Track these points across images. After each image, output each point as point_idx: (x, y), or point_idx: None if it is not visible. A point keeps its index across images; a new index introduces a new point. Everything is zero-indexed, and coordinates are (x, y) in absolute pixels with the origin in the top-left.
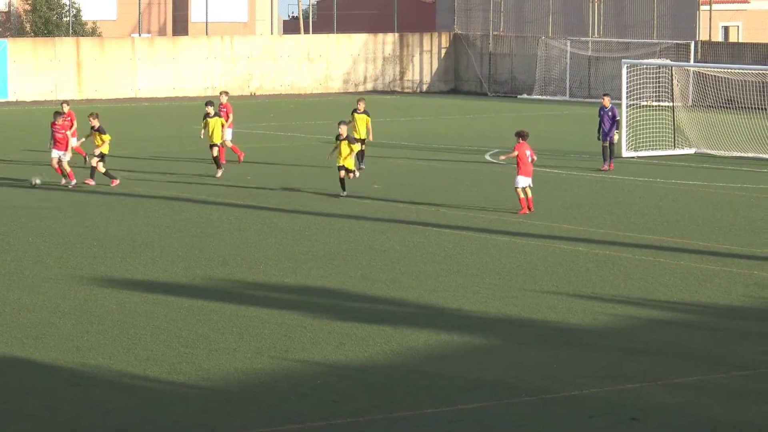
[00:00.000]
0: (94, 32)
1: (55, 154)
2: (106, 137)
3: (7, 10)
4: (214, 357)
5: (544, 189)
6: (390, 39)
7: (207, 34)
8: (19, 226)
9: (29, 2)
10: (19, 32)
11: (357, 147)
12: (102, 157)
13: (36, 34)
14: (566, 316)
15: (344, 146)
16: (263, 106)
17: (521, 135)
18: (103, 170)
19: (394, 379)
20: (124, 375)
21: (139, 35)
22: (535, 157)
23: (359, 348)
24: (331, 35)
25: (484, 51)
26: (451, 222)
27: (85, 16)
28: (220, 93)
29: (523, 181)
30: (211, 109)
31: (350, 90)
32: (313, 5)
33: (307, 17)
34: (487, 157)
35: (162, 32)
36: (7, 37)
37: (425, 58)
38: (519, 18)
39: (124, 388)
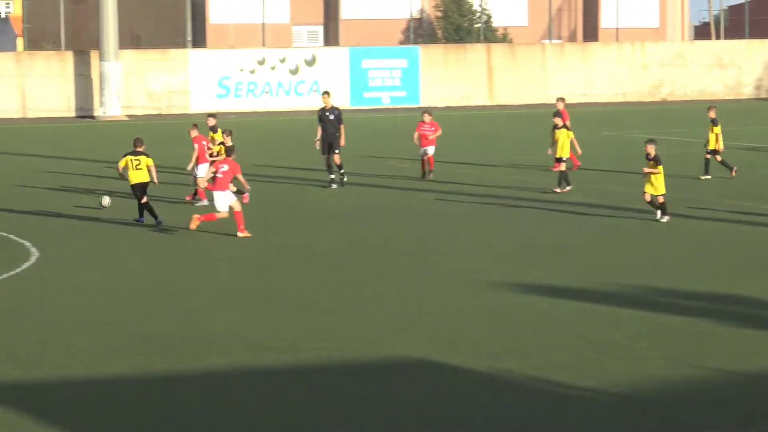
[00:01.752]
0: (504, 38)
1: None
2: None
3: (419, 16)
4: (625, 363)
5: None
6: None
7: (617, 39)
8: (446, 230)
9: (441, 9)
10: (431, 39)
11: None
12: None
13: (447, 41)
14: None
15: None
16: (673, 112)
17: None
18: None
19: None
20: (537, 380)
21: (550, 41)
22: None
23: None
24: (742, 41)
25: None
26: None
27: (496, 22)
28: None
29: None
30: (558, 121)
31: (762, 96)
32: (724, 10)
33: (718, 22)
34: None
35: (572, 38)
36: (419, 43)
37: None
38: None
39: (535, 392)
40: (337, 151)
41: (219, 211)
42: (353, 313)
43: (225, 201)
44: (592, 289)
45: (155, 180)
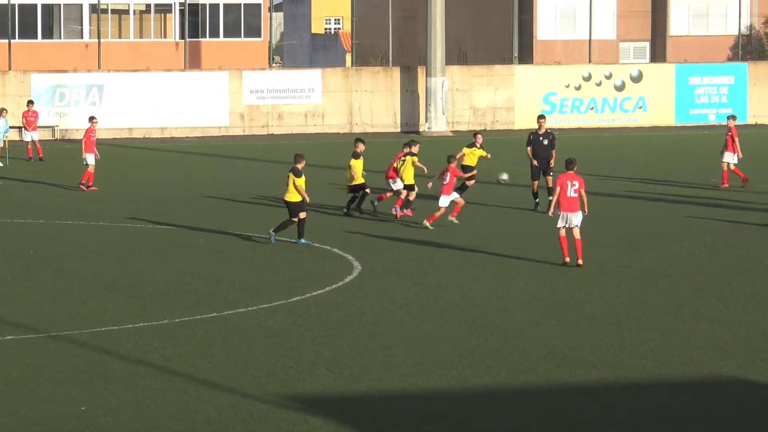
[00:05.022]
0: None
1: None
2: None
3: (748, 33)
4: None
5: None
6: None
7: None
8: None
9: None
10: (759, 55)
11: None
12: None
13: None
14: None
15: None
16: None
17: None
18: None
19: None
20: None
21: None
22: None
23: None
24: None
25: None
26: None
27: None
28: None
29: None
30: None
31: None
32: None
33: None
34: None
35: None
36: (747, 60)
37: None
38: None
39: None
40: (551, 174)
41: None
42: (675, 331)
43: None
44: None
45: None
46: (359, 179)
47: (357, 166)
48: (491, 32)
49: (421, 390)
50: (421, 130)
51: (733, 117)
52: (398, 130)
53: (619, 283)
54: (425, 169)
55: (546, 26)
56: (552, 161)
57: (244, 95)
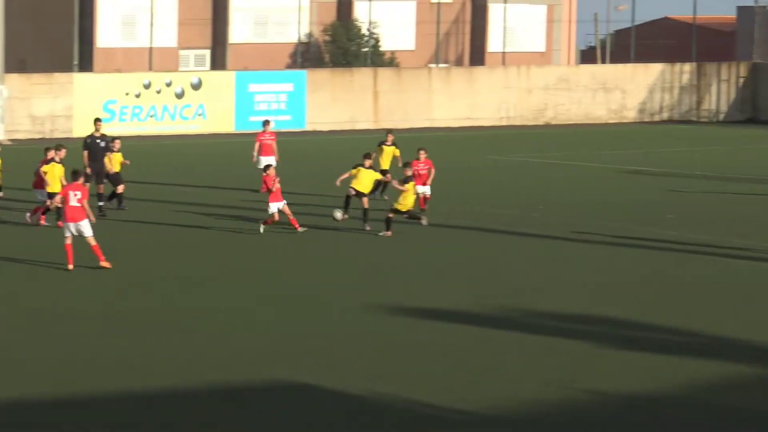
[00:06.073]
0: (392, 62)
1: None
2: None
3: (307, 41)
4: (501, 386)
5: None
6: (687, 68)
7: (504, 64)
8: (308, 252)
9: (329, 33)
10: (318, 63)
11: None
12: None
13: (334, 65)
14: None
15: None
16: (557, 136)
17: None
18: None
19: (682, 410)
20: (413, 402)
21: (437, 65)
22: None
23: (647, 378)
24: (627, 65)
25: None
26: (747, 253)
27: (384, 46)
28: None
29: None
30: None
31: (645, 119)
32: (610, 35)
33: (604, 47)
34: None
35: (459, 62)
36: (306, 67)
37: (723, 87)
38: None
39: (412, 416)
40: (105, 181)
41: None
42: (234, 338)
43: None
44: (469, 312)
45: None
46: None
47: None
48: (52, 39)
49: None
50: None
51: (268, 122)
52: None
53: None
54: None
55: (107, 33)
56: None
57: None
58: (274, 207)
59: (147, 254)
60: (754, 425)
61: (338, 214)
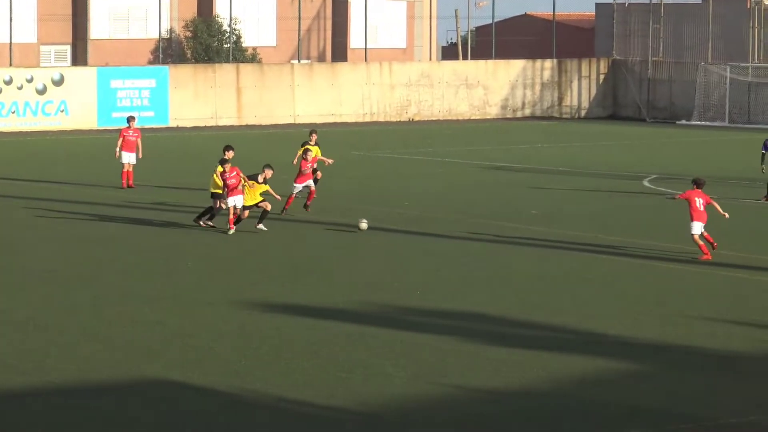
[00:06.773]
0: (254, 58)
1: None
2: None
3: (168, 37)
4: (370, 382)
5: None
6: (548, 65)
7: (366, 60)
8: (178, 250)
9: (190, 29)
10: (180, 59)
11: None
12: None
13: (197, 61)
14: (726, 343)
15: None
16: (420, 132)
17: (696, 183)
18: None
19: (551, 405)
20: (281, 399)
21: (299, 61)
22: (715, 204)
23: (516, 374)
24: (489, 61)
25: (642, 77)
26: (609, 248)
27: (246, 42)
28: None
29: (698, 228)
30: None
31: (508, 116)
32: (472, 32)
33: (466, 43)
34: (646, 183)
35: (321, 58)
36: (168, 63)
37: (584, 83)
38: (678, 44)
39: (281, 413)
40: None
41: None
42: (102, 336)
43: None
44: (337, 308)
45: None
46: None
47: None
48: None
49: None
50: None
51: (133, 118)
52: None
53: (45, 288)
54: None
55: None
56: None
57: None
58: (232, 202)
59: (7, 251)
60: (626, 419)
61: (364, 225)
